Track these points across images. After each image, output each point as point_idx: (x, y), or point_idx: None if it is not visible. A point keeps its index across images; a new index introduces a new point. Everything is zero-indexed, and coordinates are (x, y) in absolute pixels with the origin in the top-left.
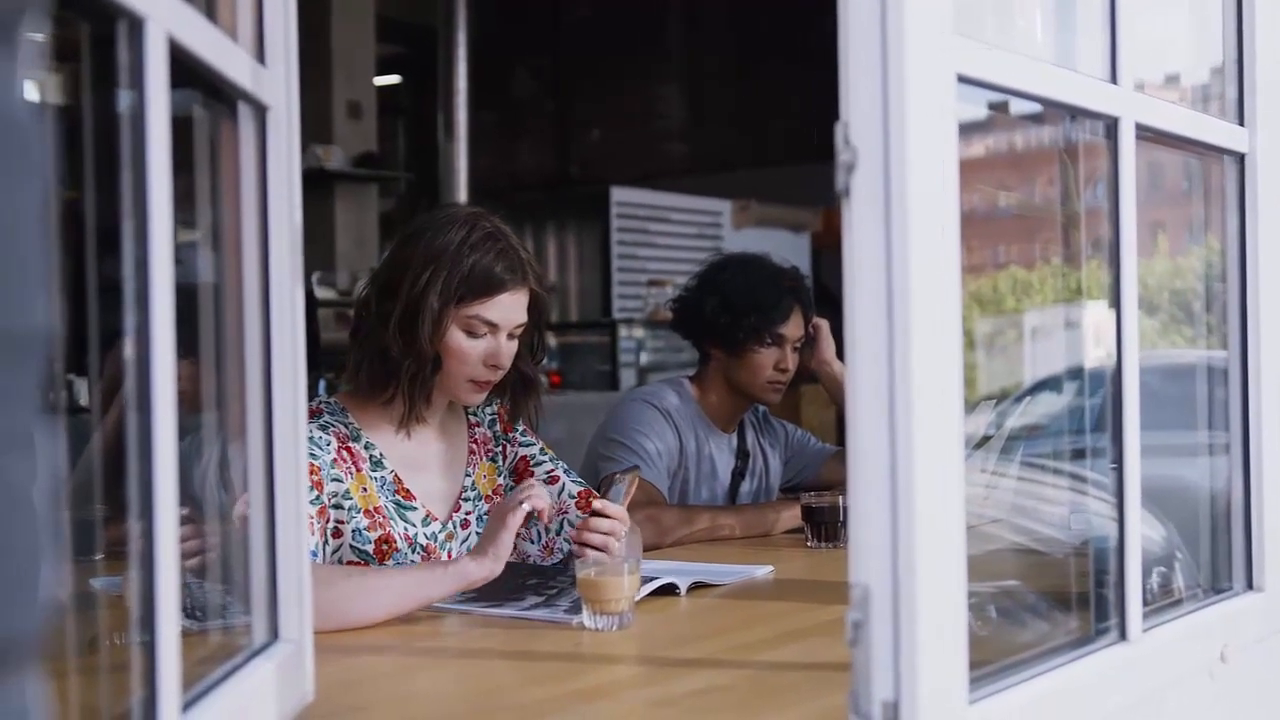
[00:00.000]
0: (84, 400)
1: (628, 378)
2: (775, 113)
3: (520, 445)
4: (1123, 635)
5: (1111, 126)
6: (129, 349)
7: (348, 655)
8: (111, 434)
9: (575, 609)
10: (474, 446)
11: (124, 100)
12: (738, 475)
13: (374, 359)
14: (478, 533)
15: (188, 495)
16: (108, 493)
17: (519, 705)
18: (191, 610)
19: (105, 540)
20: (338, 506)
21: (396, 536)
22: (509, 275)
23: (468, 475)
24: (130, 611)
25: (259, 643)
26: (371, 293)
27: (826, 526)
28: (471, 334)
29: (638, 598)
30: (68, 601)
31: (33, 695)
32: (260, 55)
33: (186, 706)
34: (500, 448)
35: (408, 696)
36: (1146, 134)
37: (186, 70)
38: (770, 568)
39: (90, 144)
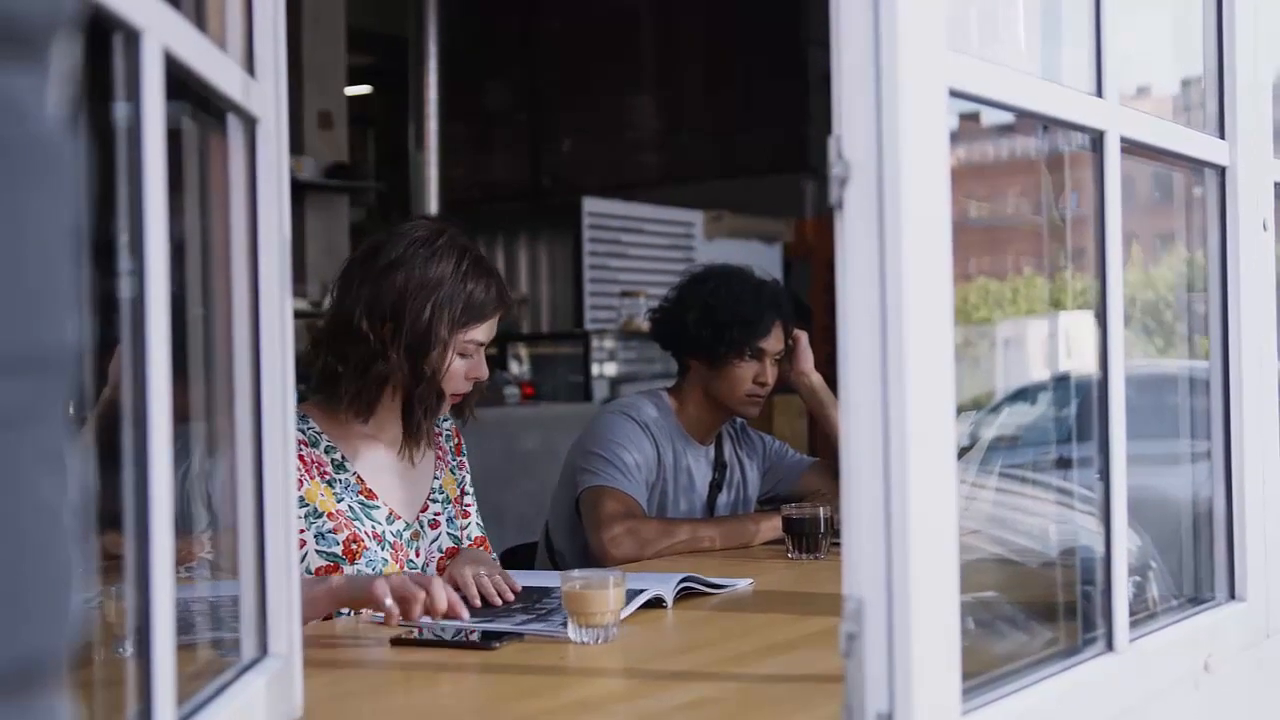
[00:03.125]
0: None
1: (600, 389)
2: (747, 123)
3: (466, 471)
4: (1110, 646)
5: (1098, 140)
6: (125, 362)
7: (337, 670)
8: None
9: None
10: (440, 453)
11: (119, 111)
12: (715, 487)
13: (371, 384)
14: (448, 533)
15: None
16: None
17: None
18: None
19: (92, 555)
20: None
21: (363, 535)
22: (500, 300)
23: (436, 478)
24: (112, 626)
25: (248, 658)
26: (358, 317)
27: (807, 538)
28: (464, 355)
29: (626, 614)
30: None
31: (62, 712)
32: (250, 67)
33: None
34: (456, 462)
35: (396, 711)
36: (1130, 147)
37: (178, 82)
38: (750, 580)
39: (83, 155)
